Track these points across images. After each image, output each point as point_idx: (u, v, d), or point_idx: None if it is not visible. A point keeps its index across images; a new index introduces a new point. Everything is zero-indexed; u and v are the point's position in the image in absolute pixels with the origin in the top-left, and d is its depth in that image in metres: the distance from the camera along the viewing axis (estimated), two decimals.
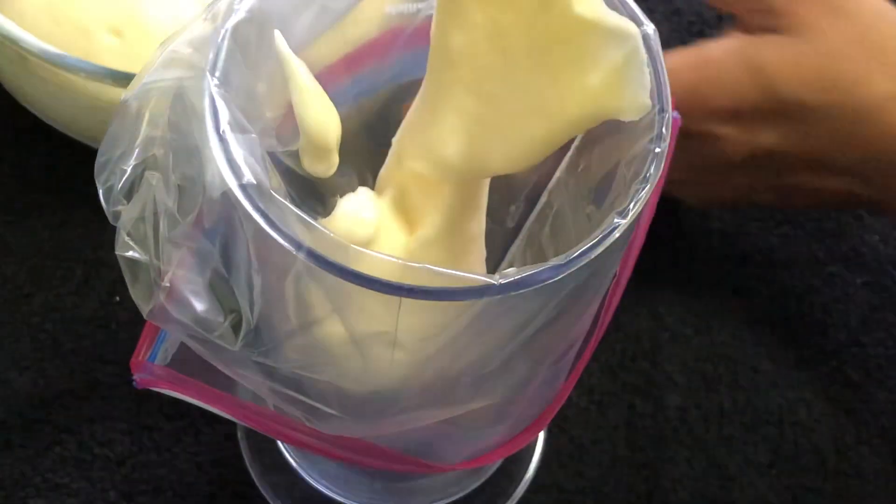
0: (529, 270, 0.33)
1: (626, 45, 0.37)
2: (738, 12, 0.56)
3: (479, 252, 0.41)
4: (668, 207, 0.62)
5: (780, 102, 0.53)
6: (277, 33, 0.36)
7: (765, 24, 0.54)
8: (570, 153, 0.39)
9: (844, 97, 0.53)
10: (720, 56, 0.54)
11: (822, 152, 0.55)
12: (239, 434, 0.55)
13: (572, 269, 0.33)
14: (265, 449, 0.55)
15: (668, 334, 0.59)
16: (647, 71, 0.37)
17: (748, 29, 0.55)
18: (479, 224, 0.40)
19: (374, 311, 0.34)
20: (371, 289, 0.32)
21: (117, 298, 0.58)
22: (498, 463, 0.55)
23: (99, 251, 0.59)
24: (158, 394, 0.49)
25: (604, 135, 0.38)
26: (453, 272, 0.32)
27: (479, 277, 0.32)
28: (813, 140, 0.54)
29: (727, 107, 0.54)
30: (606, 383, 0.57)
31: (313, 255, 0.32)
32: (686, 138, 0.52)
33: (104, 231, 0.37)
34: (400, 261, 0.32)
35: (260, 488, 0.54)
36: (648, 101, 0.37)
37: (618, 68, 0.37)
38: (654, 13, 0.67)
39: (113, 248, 0.37)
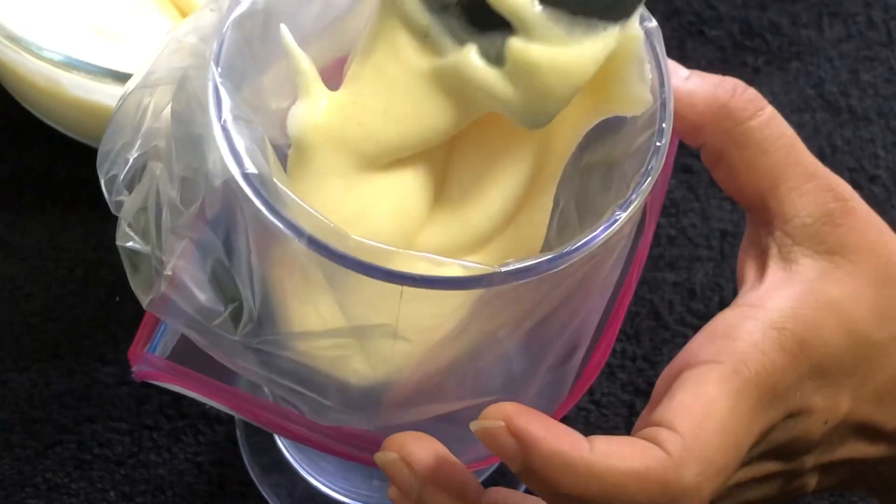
0: (530, 260, 0.33)
1: (626, 39, 0.37)
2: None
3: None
4: (667, 207, 0.62)
5: (862, 348, 0.42)
6: (284, 27, 0.36)
7: (817, 231, 0.42)
8: (573, 149, 0.40)
9: None
10: (808, 299, 0.41)
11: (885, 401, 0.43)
12: (239, 434, 0.55)
13: (573, 260, 0.33)
14: (265, 449, 0.55)
15: (669, 334, 0.59)
16: (647, 66, 0.37)
17: (792, 234, 0.43)
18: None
19: (376, 301, 0.34)
20: (372, 276, 0.32)
21: (117, 298, 0.58)
22: (498, 463, 0.55)
23: (99, 251, 0.59)
24: (158, 394, 0.49)
25: (607, 130, 0.39)
26: (454, 261, 0.32)
27: (481, 266, 0.32)
28: (881, 389, 0.43)
29: (822, 364, 0.41)
30: (606, 383, 0.57)
31: (315, 243, 0.32)
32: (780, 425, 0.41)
33: (104, 231, 0.37)
34: (401, 251, 0.32)
35: (260, 488, 0.54)
36: (649, 96, 0.37)
37: (619, 63, 0.37)
38: (654, 13, 0.67)
39: (113, 249, 0.37)
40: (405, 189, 0.37)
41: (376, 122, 0.36)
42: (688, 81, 0.42)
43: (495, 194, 0.38)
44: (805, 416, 0.41)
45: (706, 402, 0.38)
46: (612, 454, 0.36)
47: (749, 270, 0.43)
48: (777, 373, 0.39)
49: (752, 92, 0.42)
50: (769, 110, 0.42)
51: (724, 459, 0.38)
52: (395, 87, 0.36)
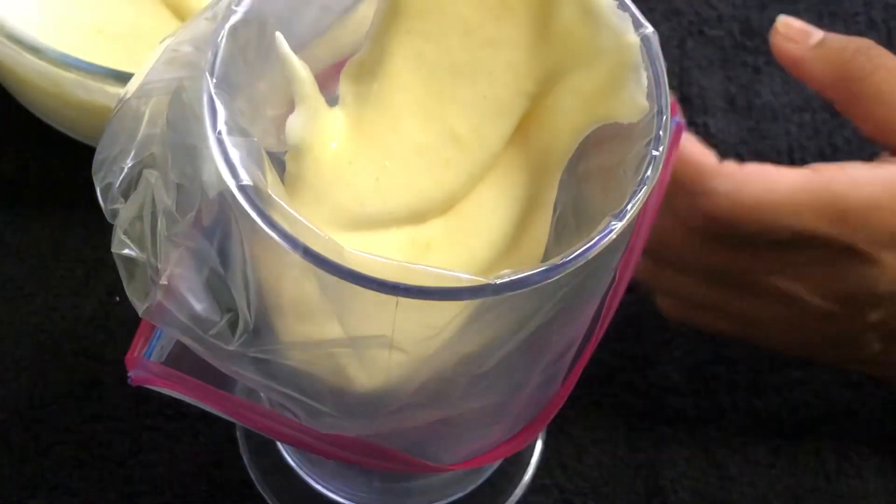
0: (525, 272, 0.33)
1: (622, 46, 0.37)
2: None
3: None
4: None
5: None
6: (279, 35, 0.36)
7: None
8: (570, 156, 0.40)
9: None
10: None
11: None
12: (238, 434, 0.55)
13: (568, 271, 0.33)
14: (265, 449, 0.55)
15: (669, 334, 0.59)
16: (644, 73, 0.37)
17: None
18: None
19: (371, 313, 0.34)
20: (367, 287, 0.32)
21: (117, 298, 0.58)
22: (497, 463, 0.55)
23: (99, 251, 0.59)
24: (159, 394, 0.49)
25: (604, 138, 0.39)
26: (450, 273, 0.32)
27: (476, 278, 0.32)
28: None
29: None
30: (606, 383, 0.57)
31: (310, 255, 0.32)
32: (845, 258, 0.48)
33: (104, 231, 0.37)
34: (395, 262, 0.32)
35: (259, 489, 0.54)
36: (646, 104, 0.37)
37: (615, 70, 0.37)
38: (654, 13, 0.67)
39: None
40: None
41: (367, 187, 0.36)
42: (815, 50, 0.50)
43: (496, 221, 0.38)
44: (871, 266, 0.48)
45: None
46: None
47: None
48: (858, 198, 0.47)
49: (874, 52, 0.50)
50: (888, 65, 0.50)
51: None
52: (392, 157, 0.36)
